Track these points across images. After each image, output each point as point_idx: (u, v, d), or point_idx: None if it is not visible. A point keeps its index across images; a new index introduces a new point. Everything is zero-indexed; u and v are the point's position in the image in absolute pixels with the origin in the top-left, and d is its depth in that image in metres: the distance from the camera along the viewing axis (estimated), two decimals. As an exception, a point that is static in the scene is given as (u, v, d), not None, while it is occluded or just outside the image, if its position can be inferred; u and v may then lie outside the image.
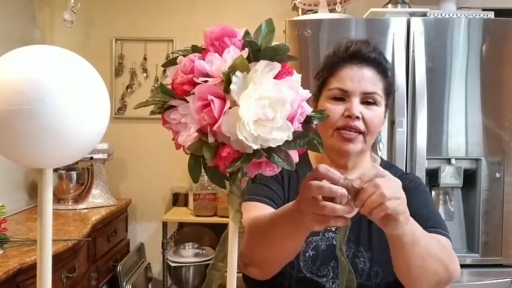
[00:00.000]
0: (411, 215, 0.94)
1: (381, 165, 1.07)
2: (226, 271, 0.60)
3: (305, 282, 0.96)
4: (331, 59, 1.02)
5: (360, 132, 0.97)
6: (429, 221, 0.94)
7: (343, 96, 0.98)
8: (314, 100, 1.04)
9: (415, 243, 0.79)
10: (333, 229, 0.99)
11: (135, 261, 2.69)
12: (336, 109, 0.97)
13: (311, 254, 0.97)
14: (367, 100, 0.98)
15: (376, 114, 0.98)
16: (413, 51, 1.87)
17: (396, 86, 1.79)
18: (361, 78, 0.97)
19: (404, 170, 1.10)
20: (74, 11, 2.51)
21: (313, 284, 0.96)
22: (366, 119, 0.97)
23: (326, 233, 0.99)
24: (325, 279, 0.96)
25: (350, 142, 0.97)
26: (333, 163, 1.03)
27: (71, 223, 2.15)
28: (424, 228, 0.90)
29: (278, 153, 0.54)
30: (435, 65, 1.88)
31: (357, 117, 0.96)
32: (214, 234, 2.72)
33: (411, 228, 0.77)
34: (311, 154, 1.10)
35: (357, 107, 0.96)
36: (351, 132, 0.96)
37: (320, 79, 1.03)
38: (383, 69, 1.01)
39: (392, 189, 0.70)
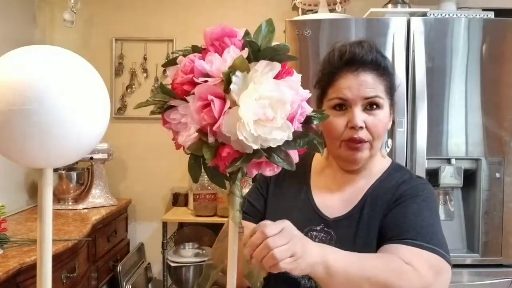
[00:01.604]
0: (393, 224, 0.94)
1: (390, 167, 1.06)
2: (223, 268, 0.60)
3: (282, 279, 0.96)
4: (327, 69, 1.00)
5: (366, 141, 0.97)
6: (409, 232, 0.90)
7: (344, 104, 0.97)
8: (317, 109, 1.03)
9: (332, 274, 0.78)
10: (318, 228, 1.00)
11: (135, 261, 2.69)
12: (339, 121, 0.96)
13: None
14: (370, 104, 0.96)
15: (379, 118, 0.96)
16: (413, 51, 1.87)
17: (398, 82, 1.78)
18: (359, 84, 0.95)
19: (413, 174, 1.08)
20: (74, 11, 2.51)
21: (290, 280, 0.97)
22: (369, 127, 0.95)
23: (309, 233, 0.99)
24: (301, 276, 0.97)
25: (357, 151, 0.97)
26: (342, 168, 1.04)
27: (71, 223, 2.15)
28: (401, 239, 0.88)
29: (278, 153, 0.54)
30: (435, 65, 1.88)
31: (361, 127, 0.95)
32: (214, 234, 2.72)
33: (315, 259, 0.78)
34: (316, 160, 1.10)
35: (359, 117, 0.94)
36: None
37: (319, 90, 1.02)
38: (383, 68, 0.98)
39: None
